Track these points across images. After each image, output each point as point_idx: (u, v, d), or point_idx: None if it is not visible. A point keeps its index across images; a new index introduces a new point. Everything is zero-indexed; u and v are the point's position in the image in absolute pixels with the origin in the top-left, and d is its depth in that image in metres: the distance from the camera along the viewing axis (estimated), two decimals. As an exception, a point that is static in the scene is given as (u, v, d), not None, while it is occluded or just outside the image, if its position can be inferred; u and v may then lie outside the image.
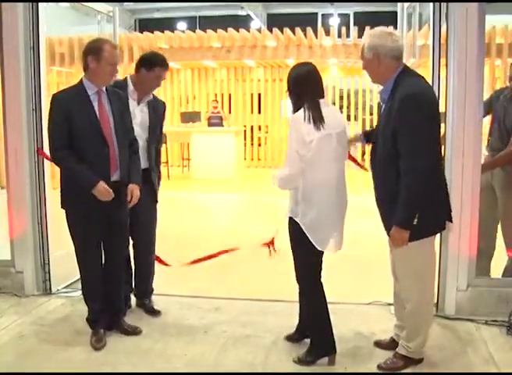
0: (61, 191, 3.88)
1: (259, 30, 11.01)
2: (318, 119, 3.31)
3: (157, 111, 4.40)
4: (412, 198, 3.10)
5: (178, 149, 14.97)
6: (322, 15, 26.52)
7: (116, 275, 4.06)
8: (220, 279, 5.54)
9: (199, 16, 27.48)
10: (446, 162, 4.01)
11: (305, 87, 3.41)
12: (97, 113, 3.69)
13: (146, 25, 25.14)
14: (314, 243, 3.41)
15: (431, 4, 4.13)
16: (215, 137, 12.65)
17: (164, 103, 4.60)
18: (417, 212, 3.10)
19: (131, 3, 25.48)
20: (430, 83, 3.88)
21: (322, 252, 3.53)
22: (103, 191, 3.64)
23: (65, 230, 3.96)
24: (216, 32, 10.83)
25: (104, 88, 3.77)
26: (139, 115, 4.25)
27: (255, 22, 25.86)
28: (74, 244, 3.92)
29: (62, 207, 3.90)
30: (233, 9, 25.30)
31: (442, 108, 3.89)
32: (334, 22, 24.52)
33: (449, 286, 4.15)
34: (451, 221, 3.41)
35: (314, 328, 3.66)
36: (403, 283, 3.45)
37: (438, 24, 4.01)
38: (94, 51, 3.65)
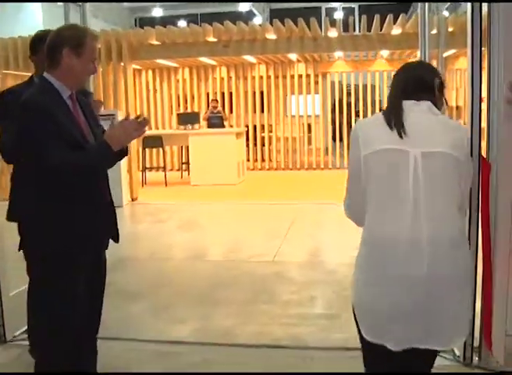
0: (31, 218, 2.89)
1: (246, 18, 10.13)
2: (392, 123, 2.16)
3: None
4: None
5: (176, 153, 14.18)
6: (326, 9, 25.80)
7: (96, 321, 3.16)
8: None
9: (200, 14, 26.83)
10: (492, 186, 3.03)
11: (392, 86, 2.35)
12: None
13: (146, 23, 24.46)
14: (360, 327, 2.23)
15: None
16: (214, 138, 11.79)
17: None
18: None
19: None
20: (469, 75, 3.01)
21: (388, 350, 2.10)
22: (127, 126, 2.73)
23: (22, 261, 3.03)
24: (212, 26, 9.93)
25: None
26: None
27: (258, 18, 25.13)
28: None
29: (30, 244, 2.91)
30: (235, 6, 24.57)
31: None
32: (339, 16, 23.66)
33: (496, 330, 3.24)
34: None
35: None
36: None
37: (478, 9, 3.10)
38: (74, 43, 2.68)
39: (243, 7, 24.76)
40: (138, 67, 14.05)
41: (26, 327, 3.96)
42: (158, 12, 26.35)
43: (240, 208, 9.38)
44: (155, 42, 10.20)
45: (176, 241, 7.37)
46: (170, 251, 6.91)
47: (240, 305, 4.73)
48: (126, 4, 25.91)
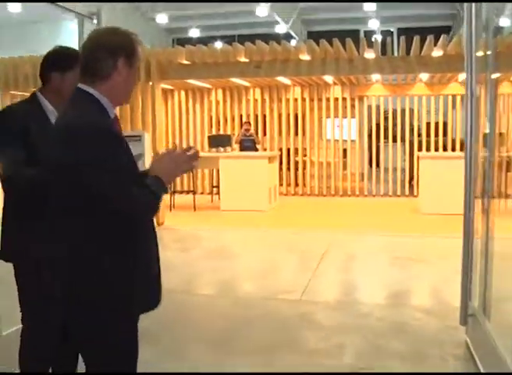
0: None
1: (283, 39, 9.71)
2: None
3: None
4: None
5: (208, 176, 13.81)
6: (365, 31, 25.39)
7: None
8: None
9: (237, 35, 26.68)
10: None
11: None
12: None
13: (183, 44, 24.38)
14: None
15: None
16: (245, 162, 11.37)
17: None
18: None
19: (164, 20, 24.57)
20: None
21: None
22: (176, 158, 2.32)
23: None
24: (243, 45, 9.55)
25: None
26: None
27: (295, 40, 24.81)
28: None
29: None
30: (272, 27, 24.32)
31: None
32: (377, 38, 23.24)
33: None
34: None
35: None
36: None
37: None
38: (128, 51, 2.25)
39: (281, 29, 24.49)
40: (170, 87, 13.79)
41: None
42: (194, 32, 26.26)
43: (270, 237, 8.91)
44: (185, 62, 9.86)
45: (199, 272, 6.93)
46: (191, 283, 6.48)
47: (258, 353, 4.24)
48: (163, 24, 25.88)
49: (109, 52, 2.19)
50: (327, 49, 9.47)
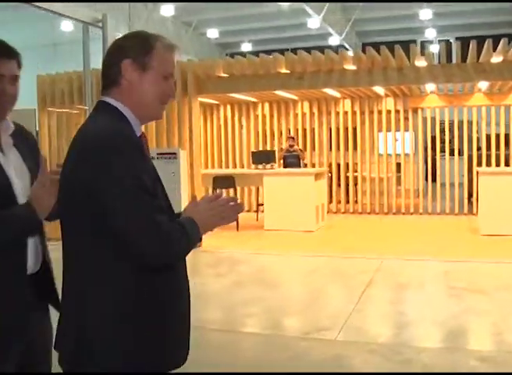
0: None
1: (336, 52, 9.02)
2: None
3: (30, 147, 2.36)
4: None
5: (254, 193, 13.23)
6: (422, 42, 24.48)
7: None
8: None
9: (291, 49, 26.21)
10: None
11: None
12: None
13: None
14: None
15: None
16: (290, 180, 10.74)
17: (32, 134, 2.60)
18: None
19: (215, 35, 24.36)
20: None
21: None
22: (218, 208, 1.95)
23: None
24: (284, 55, 8.97)
25: None
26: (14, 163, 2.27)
27: (350, 53, 24.12)
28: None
29: None
30: (324, 40, 23.72)
31: None
32: (435, 49, 22.32)
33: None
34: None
35: None
36: None
37: None
38: (138, 52, 1.95)
39: (334, 41, 23.83)
40: (215, 102, 13.34)
41: None
42: (247, 47, 25.90)
43: (313, 261, 8.24)
44: (223, 74, 9.33)
45: (229, 301, 6.33)
46: (218, 315, 5.89)
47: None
48: (216, 40, 25.66)
49: (114, 55, 1.92)
50: (374, 58, 8.78)
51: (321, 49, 10.90)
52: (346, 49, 24.30)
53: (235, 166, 13.75)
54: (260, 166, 11.56)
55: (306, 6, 19.66)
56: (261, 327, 5.57)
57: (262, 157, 11.78)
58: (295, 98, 12.88)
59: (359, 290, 6.35)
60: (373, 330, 5.22)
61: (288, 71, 9.12)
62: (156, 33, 1.96)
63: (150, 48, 1.89)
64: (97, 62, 2.68)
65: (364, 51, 9.06)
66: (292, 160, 12.19)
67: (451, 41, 24.00)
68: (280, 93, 11.27)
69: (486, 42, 8.14)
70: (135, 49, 1.89)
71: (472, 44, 8.33)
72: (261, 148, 13.53)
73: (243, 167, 13.47)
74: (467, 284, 6.48)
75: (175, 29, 22.62)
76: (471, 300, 5.91)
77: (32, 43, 13.98)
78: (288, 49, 26.61)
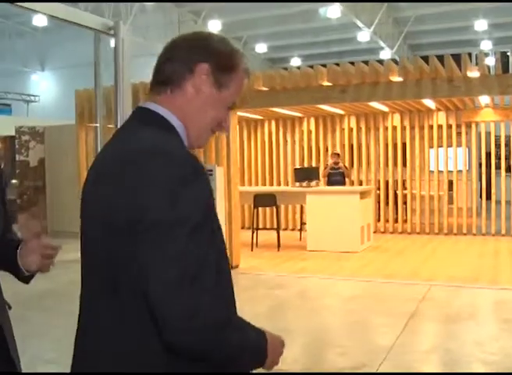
0: None
1: (381, 62, 8.51)
2: None
3: None
4: None
5: (299, 211, 12.74)
6: (476, 55, 23.62)
7: None
8: None
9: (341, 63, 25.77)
10: None
11: None
12: None
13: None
14: None
15: None
16: (334, 198, 10.23)
17: None
18: None
19: (263, 50, 24.13)
20: None
21: None
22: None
23: None
24: (326, 67, 8.51)
25: None
26: None
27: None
28: None
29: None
30: (376, 53, 23.17)
31: None
32: (490, 62, 21.51)
33: None
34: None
35: None
36: None
37: None
38: (222, 60, 1.53)
39: (385, 55, 23.22)
40: (260, 117, 12.98)
41: None
42: (296, 62, 25.56)
43: (355, 286, 7.71)
44: (263, 88, 8.92)
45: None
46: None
47: None
48: (266, 55, 25.43)
49: (186, 50, 1.49)
50: (423, 69, 8.23)
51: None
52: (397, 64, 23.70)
53: (279, 183, 13.34)
54: (304, 184, 11.10)
55: (356, 19, 19.22)
56: (284, 362, 5.08)
57: (305, 174, 11.31)
58: (341, 112, 12.40)
59: (401, 322, 5.80)
60: (415, 369, 4.66)
61: (330, 84, 8.65)
62: (240, 50, 1.56)
63: (235, 65, 1.50)
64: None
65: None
66: (337, 178, 11.66)
67: (508, 53, 23.11)
68: (325, 107, 10.80)
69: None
70: (220, 57, 1.48)
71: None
72: (305, 165, 13.08)
73: (287, 184, 13.04)
74: (523, 317, 5.85)
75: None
76: (528, 336, 5.29)
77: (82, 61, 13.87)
78: (338, 64, 26.29)
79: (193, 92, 1.46)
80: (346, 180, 12.09)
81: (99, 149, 4.04)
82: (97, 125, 4.17)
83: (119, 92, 3.79)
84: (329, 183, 11.70)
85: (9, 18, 21.84)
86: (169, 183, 1.29)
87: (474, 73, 8.18)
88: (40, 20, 18.00)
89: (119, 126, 4.14)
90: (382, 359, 4.75)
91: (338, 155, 12.09)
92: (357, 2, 18.20)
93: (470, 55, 22.40)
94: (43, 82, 26.85)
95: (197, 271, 1.27)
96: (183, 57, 1.47)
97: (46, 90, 26.55)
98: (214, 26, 19.82)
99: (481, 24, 20.06)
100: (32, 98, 26.32)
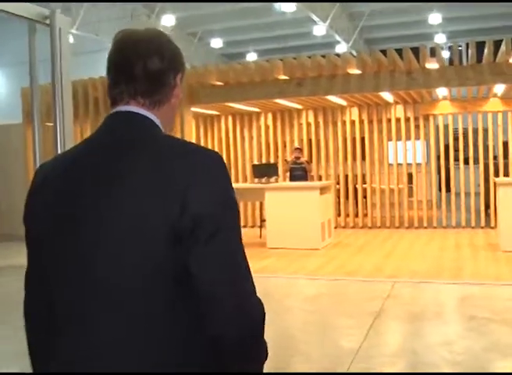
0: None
1: (338, 55, 8.32)
2: None
3: None
4: None
5: (258, 208, 12.51)
6: (431, 48, 23.76)
7: None
8: None
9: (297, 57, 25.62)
10: None
11: None
12: None
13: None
14: None
15: None
16: (294, 195, 10.02)
17: None
18: None
19: (219, 45, 23.78)
20: None
21: None
22: None
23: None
24: (282, 60, 8.27)
25: None
26: None
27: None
28: None
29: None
30: (331, 48, 23.06)
31: None
32: (445, 55, 21.59)
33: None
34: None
35: None
36: None
37: None
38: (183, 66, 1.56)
39: (341, 49, 23.14)
40: (216, 113, 12.69)
41: None
42: (252, 57, 25.30)
43: (316, 285, 7.50)
44: (217, 82, 8.64)
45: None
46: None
47: None
48: (221, 50, 25.11)
49: (171, 61, 1.49)
50: (381, 61, 8.06)
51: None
52: (354, 57, 23.66)
53: (237, 180, 13.08)
54: (263, 180, 10.86)
55: (311, 13, 19.08)
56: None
57: (264, 170, 11.08)
58: (299, 107, 12.20)
59: (366, 323, 5.59)
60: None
61: (286, 77, 8.41)
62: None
63: (184, 62, 1.53)
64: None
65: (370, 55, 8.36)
66: (298, 173, 11.46)
67: (462, 46, 23.28)
68: (282, 102, 10.57)
69: (504, 41, 7.40)
70: (182, 60, 1.52)
71: (488, 44, 7.59)
72: (264, 161, 12.86)
73: (245, 181, 12.79)
74: (490, 314, 5.70)
75: (182, 39, 21.98)
76: (497, 334, 5.13)
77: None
78: (295, 58, 26.19)
79: (175, 101, 1.51)
80: (309, 175, 11.90)
81: (38, 149, 3.72)
82: (35, 124, 3.87)
83: (57, 88, 3.47)
84: (291, 178, 11.50)
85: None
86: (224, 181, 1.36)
87: (433, 65, 8.04)
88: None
89: (58, 125, 3.70)
90: (349, 364, 4.53)
91: (300, 149, 11.89)
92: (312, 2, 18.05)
93: (425, 48, 22.55)
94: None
95: (246, 269, 1.41)
96: (168, 68, 1.45)
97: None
98: (168, 21, 19.45)
99: (435, 18, 20.13)
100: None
